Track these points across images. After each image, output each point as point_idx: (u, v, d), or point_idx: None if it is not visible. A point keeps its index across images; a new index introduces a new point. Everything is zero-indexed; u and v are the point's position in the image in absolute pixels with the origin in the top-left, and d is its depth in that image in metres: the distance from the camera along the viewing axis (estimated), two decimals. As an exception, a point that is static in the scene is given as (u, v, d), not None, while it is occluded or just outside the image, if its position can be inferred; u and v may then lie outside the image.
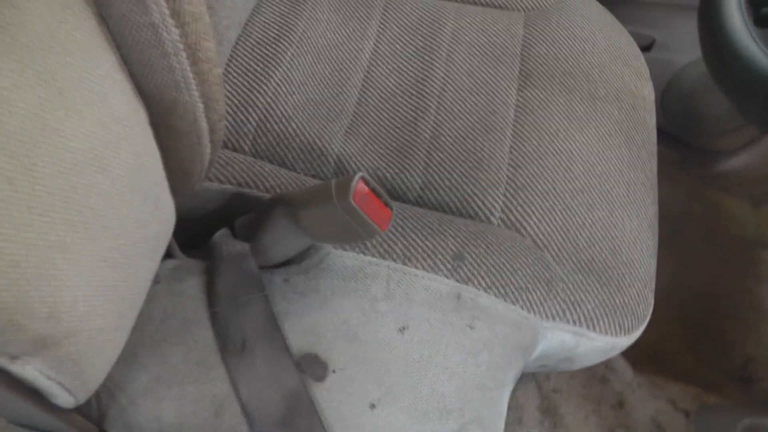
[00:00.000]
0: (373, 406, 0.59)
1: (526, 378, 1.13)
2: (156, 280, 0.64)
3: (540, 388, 1.13)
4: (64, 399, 0.48)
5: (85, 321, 0.43)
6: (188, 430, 0.59)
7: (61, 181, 0.37)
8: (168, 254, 0.68)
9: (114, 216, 0.44)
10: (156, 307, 0.63)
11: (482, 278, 0.67)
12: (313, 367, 0.61)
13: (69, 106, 0.38)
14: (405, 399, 0.60)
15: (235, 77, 0.80)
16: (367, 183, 0.55)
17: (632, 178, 0.81)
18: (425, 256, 0.67)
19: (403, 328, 0.63)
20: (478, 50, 0.89)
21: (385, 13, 0.92)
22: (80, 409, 0.59)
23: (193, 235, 0.73)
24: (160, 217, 0.52)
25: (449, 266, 0.67)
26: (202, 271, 0.66)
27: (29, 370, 0.41)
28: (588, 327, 0.70)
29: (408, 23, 0.91)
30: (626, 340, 0.73)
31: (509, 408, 0.68)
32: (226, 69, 0.81)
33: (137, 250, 0.49)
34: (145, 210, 0.49)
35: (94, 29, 0.42)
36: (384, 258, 0.66)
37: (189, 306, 0.63)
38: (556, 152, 0.80)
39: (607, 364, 1.17)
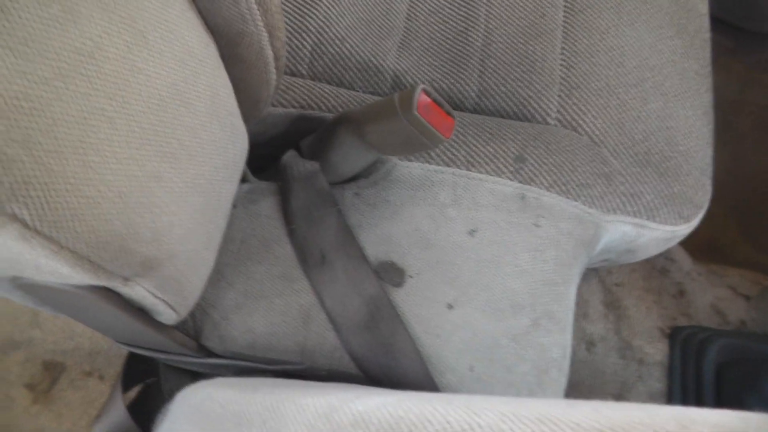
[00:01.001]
0: (450, 306, 0.63)
1: (589, 274, 1.15)
2: (233, 205, 0.67)
3: (603, 282, 1.15)
4: (168, 315, 0.52)
5: (182, 243, 0.47)
6: (279, 339, 0.63)
7: (151, 117, 0.40)
8: (241, 179, 0.71)
9: (198, 145, 0.47)
10: (236, 229, 0.66)
11: (544, 177, 0.69)
12: (391, 273, 0.64)
13: (151, 47, 0.41)
14: (479, 298, 0.63)
15: (285, 4, 0.81)
16: (428, 94, 0.57)
17: (686, 68, 0.81)
18: (488, 160, 0.69)
19: (473, 231, 0.66)
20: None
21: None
22: (179, 327, 0.64)
23: (260, 159, 0.76)
24: (236, 142, 0.55)
25: (511, 168, 0.69)
26: (274, 191, 0.69)
27: (139, 290, 0.46)
28: (648, 217, 0.71)
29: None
30: (686, 228, 0.74)
31: (575, 303, 0.71)
32: (277, -4, 0.82)
33: (219, 175, 0.52)
34: (223, 137, 0.52)
35: None
36: (448, 165, 0.68)
37: (266, 225, 0.67)
38: (608, 49, 0.80)
39: (667, 255, 1.19)
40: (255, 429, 0.42)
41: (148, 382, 0.85)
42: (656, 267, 1.17)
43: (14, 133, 0.30)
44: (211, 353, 0.66)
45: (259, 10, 0.50)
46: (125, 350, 0.73)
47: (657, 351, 1.11)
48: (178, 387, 0.78)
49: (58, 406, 1.04)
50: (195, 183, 0.47)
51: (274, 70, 0.56)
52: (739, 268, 1.20)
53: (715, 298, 1.16)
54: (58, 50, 0.33)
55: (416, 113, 0.55)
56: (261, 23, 0.51)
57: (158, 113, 0.41)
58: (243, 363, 0.65)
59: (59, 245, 0.35)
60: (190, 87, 0.45)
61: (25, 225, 0.32)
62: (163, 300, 0.49)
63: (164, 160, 0.42)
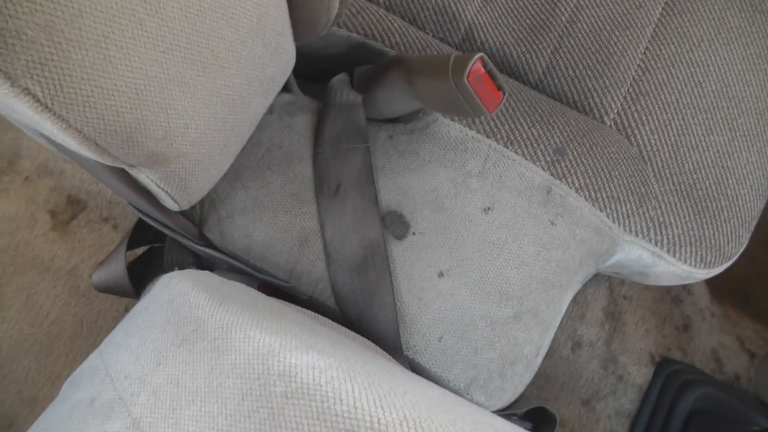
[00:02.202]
0: (441, 274, 0.63)
1: (600, 278, 1.13)
2: (270, 110, 0.68)
3: (611, 290, 1.13)
4: (170, 204, 0.54)
5: (195, 145, 0.48)
6: (273, 252, 0.64)
7: (186, 25, 0.40)
8: (286, 88, 0.71)
9: (233, 59, 0.47)
10: (265, 135, 0.67)
11: (577, 178, 0.67)
12: (396, 224, 0.64)
13: None
14: (472, 275, 0.63)
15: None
16: (485, 64, 0.55)
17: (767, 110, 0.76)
18: (528, 142, 0.67)
19: (488, 209, 0.65)
20: (644, -67, 0.82)
21: None
22: (185, 212, 0.66)
23: (315, 70, 0.75)
24: (279, 61, 0.55)
25: (549, 158, 0.67)
26: (314, 110, 0.69)
27: (143, 177, 0.48)
28: (668, 251, 0.69)
29: None
30: (704, 273, 0.72)
31: (575, 302, 0.69)
32: None
33: (251, 89, 0.52)
34: (265, 55, 0.51)
35: None
36: (488, 136, 0.67)
37: (295, 141, 0.67)
38: (693, 63, 0.75)
39: (686, 285, 1.15)
40: (205, 343, 0.44)
41: (154, 246, 0.89)
42: (671, 293, 1.14)
43: (37, 17, 0.32)
44: (210, 244, 0.68)
45: None
46: (138, 212, 0.76)
47: (640, 374, 1.10)
48: (179, 261, 0.82)
49: (72, 240, 1.10)
50: (221, 93, 0.48)
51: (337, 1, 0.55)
52: (757, 322, 1.15)
53: (718, 344, 1.13)
54: None
55: (465, 80, 0.54)
56: None
57: (195, 23, 0.41)
58: (236, 263, 0.67)
59: (68, 124, 0.36)
60: (236, 3, 0.45)
61: (36, 99, 0.34)
62: (165, 191, 0.51)
63: (192, 67, 0.43)
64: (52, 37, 0.33)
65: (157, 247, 0.89)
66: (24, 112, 0.35)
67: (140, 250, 0.89)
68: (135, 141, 0.42)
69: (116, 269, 0.83)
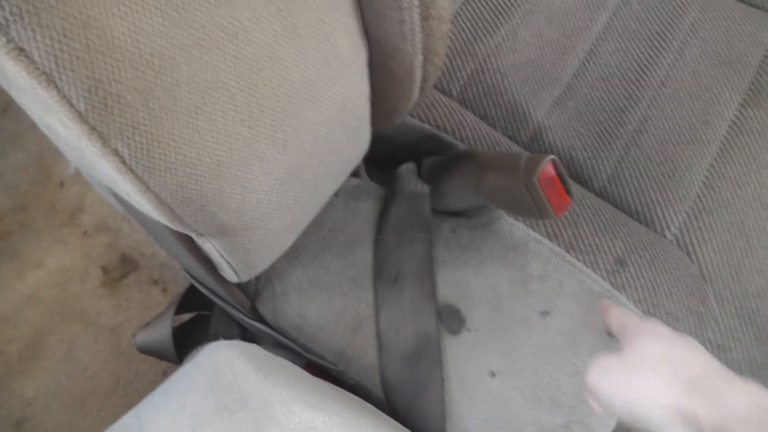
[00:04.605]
0: (492, 374, 0.62)
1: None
2: (335, 193, 0.69)
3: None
4: (229, 275, 0.54)
5: (264, 220, 0.49)
6: (325, 334, 0.64)
7: (273, 103, 0.42)
8: (354, 173, 0.72)
9: (312, 139, 0.48)
10: (329, 217, 0.68)
11: (636, 291, 0.66)
12: (452, 319, 0.64)
13: (298, 42, 0.42)
14: (524, 379, 0.62)
15: (463, 21, 0.81)
16: (556, 167, 0.55)
17: None
18: (589, 249, 0.67)
19: (546, 313, 0.64)
20: (712, 50, 0.83)
21: (630, -13, 0.87)
22: (240, 284, 0.66)
23: (383, 156, 0.77)
24: (355, 146, 0.56)
25: (609, 268, 0.67)
26: (379, 197, 0.69)
27: (208, 246, 0.49)
28: None
29: (650, 2, 0.86)
30: None
31: (619, 425, 0.66)
32: (457, 12, 0.82)
33: (325, 170, 0.53)
34: (342, 138, 0.53)
35: None
36: (550, 239, 0.67)
37: (358, 225, 0.68)
38: (759, 184, 0.75)
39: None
40: (245, 413, 0.44)
41: (202, 314, 0.89)
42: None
43: (138, 84, 0.33)
44: (260, 319, 0.68)
45: (421, 33, 0.50)
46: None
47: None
48: (225, 332, 0.82)
49: (120, 298, 1.11)
50: (297, 172, 0.49)
51: (418, 90, 0.57)
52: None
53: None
54: (205, 23, 0.35)
55: (536, 181, 0.54)
56: (419, 45, 0.51)
57: (282, 102, 0.43)
58: (284, 340, 0.67)
59: (147, 187, 0.37)
60: (324, 87, 0.46)
61: (122, 161, 0.35)
62: (228, 262, 0.51)
63: (273, 144, 0.44)
64: (148, 104, 0.34)
65: (203, 315, 0.89)
66: (107, 171, 0.36)
67: (186, 316, 0.89)
68: (208, 211, 0.43)
69: (162, 332, 0.83)
